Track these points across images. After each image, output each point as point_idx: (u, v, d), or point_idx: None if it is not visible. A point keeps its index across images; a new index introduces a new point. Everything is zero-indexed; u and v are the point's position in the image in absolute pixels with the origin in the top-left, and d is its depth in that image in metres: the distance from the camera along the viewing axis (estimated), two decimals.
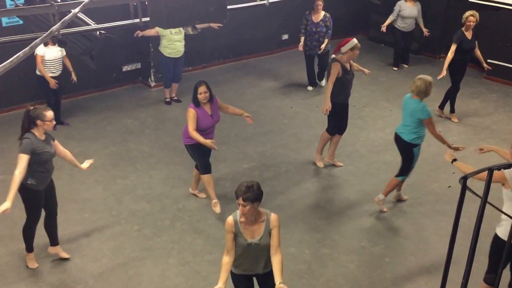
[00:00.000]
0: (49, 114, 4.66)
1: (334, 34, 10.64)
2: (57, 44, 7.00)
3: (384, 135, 7.98)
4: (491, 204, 3.05)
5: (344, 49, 6.30)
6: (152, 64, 9.04)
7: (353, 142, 7.70)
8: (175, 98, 8.73)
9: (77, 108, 8.30)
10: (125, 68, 9.15)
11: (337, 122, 6.70)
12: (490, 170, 2.47)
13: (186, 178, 6.68)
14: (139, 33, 8.04)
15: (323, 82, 9.24)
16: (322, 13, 8.83)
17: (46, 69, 7.19)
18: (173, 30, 7.88)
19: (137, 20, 3.47)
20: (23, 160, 4.50)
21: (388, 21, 10.02)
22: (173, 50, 8.12)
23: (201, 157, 5.84)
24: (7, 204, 4.25)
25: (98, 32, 3.51)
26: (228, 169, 6.93)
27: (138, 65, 9.18)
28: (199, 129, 5.62)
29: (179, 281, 5.07)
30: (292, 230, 5.84)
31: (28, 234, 4.99)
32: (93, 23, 3.58)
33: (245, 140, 7.69)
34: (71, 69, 7.38)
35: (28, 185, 4.66)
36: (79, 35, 3.63)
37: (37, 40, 2.42)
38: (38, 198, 4.83)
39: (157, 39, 8.23)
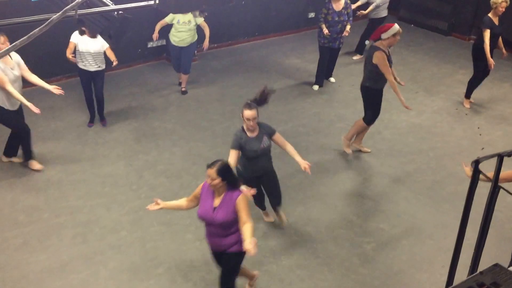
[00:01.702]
0: (246, 113, 4.73)
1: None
2: (97, 37, 6.74)
3: (408, 117, 7.86)
4: (503, 188, 3.01)
5: (385, 35, 6.15)
6: None
7: (376, 124, 7.55)
8: (183, 89, 8.39)
9: None
10: (150, 44, 9.19)
11: (376, 109, 6.60)
12: (500, 156, 2.44)
13: (207, 155, 6.73)
14: (156, 36, 7.98)
15: (332, 79, 8.92)
16: (343, 0, 8.20)
17: (78, 60, 6.87)
18: (180, 20, 7.78)
19: (152, 2, 3.48)
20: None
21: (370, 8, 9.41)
22: (178, 39, 7.97)
23: None
24: None
25: (115, 12, 3.54)
26: None
27: (163, 42, 9.20)
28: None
29: (195, 256, 5.17)
30: (309, 210, 5.87)
31: None
32: (111, 3, 3.61)
33: (267, 119, 7.51)
34: (113, 59, 7.01)
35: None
36: (98, 14, 3.67)
37: (35, 30, 2.34)
38: None
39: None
